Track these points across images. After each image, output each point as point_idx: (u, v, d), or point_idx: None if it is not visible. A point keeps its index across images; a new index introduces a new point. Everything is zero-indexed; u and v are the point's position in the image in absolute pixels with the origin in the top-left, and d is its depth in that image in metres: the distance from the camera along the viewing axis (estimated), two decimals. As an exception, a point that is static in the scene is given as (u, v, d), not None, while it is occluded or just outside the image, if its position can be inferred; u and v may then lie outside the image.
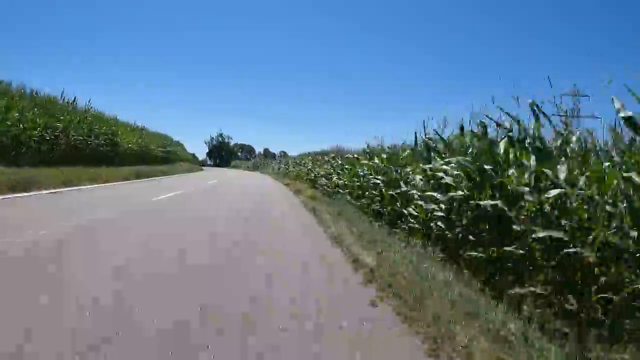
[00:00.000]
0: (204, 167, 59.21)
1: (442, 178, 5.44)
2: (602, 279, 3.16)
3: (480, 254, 4.34)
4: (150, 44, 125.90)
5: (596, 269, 3.22)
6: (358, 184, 10.98)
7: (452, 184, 5.21)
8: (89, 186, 12.10)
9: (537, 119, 4.29)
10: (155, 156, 31.58)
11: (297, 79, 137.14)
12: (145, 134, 31.62)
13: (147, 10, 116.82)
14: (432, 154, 6.58)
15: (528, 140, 4.37)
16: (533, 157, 4.03)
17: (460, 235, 4.93)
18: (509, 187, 4.15)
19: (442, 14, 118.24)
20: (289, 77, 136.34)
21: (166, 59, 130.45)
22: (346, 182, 12.66)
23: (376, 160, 9.94)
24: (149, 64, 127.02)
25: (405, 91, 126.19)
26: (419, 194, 6.20)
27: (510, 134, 4.63)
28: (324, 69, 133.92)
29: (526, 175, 4.03)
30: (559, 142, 4.15)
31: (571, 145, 4.07)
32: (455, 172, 5.19)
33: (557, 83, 4.15)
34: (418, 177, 6.65)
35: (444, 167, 5.50)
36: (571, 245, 3.29)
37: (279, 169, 39.02)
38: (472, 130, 5.73)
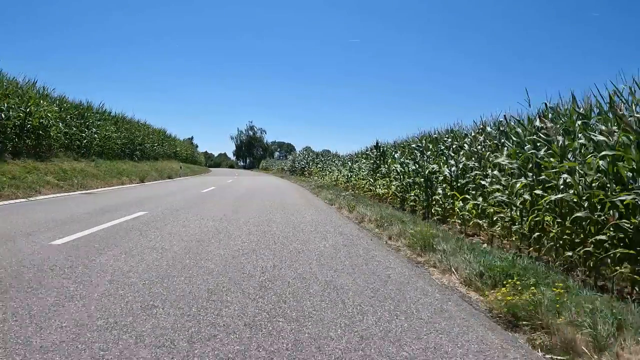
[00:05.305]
0: (211, 169, 47.85)
1: None
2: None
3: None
4: (189, 44, 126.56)
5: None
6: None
7: None
8: None
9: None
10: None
11: (339, 80, 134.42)
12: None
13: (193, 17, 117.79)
14: None
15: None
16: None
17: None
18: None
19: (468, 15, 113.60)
20: (331, 78, 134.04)
21: (211, 58, 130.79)
22: None
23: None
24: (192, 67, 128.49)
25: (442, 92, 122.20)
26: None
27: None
28: (366, 69, 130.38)
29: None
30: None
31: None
32: None
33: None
34: None
35: None
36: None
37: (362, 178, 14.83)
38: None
